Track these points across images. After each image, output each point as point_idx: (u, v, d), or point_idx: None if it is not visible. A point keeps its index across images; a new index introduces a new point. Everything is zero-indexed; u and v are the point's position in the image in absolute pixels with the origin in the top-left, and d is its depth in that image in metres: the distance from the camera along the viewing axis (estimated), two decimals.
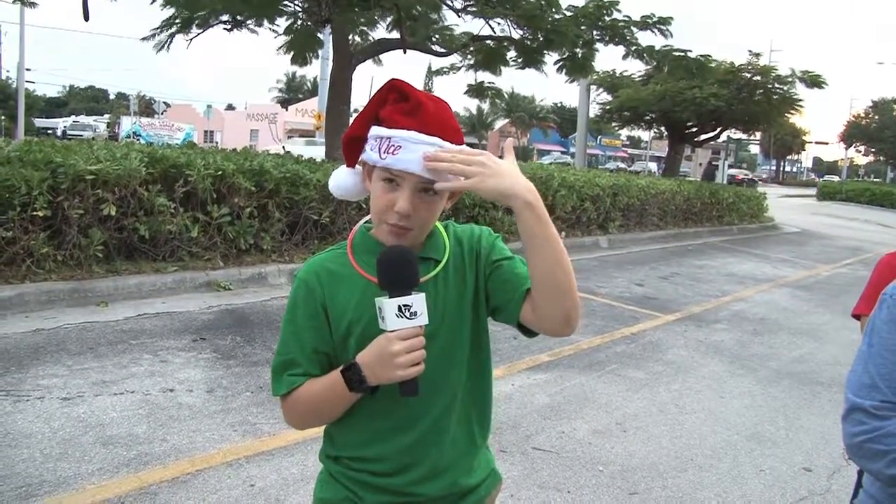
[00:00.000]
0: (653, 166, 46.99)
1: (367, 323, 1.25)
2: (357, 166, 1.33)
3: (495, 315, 1.34)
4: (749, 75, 18.41)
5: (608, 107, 21.35)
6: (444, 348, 1.29)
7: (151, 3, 9.17)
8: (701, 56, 12.29)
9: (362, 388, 1.21)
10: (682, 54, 11.89)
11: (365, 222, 1.38)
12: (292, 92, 62.81)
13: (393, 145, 1.19)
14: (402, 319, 1.17)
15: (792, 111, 20.15)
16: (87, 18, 8.32)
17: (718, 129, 21.01)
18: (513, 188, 1.15)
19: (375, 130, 1.23)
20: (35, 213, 5.27)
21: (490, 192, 1.15)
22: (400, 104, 1.23)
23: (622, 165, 52.57)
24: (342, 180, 1.35)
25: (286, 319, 1.31)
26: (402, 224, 1.23)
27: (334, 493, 1.35)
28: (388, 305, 1.17)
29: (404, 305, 1.17)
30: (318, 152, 11.35)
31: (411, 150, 1.18)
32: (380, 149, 1.21)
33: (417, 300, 1.18)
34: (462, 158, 1.16)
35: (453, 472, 1.34)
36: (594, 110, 21.31)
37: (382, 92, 1.26)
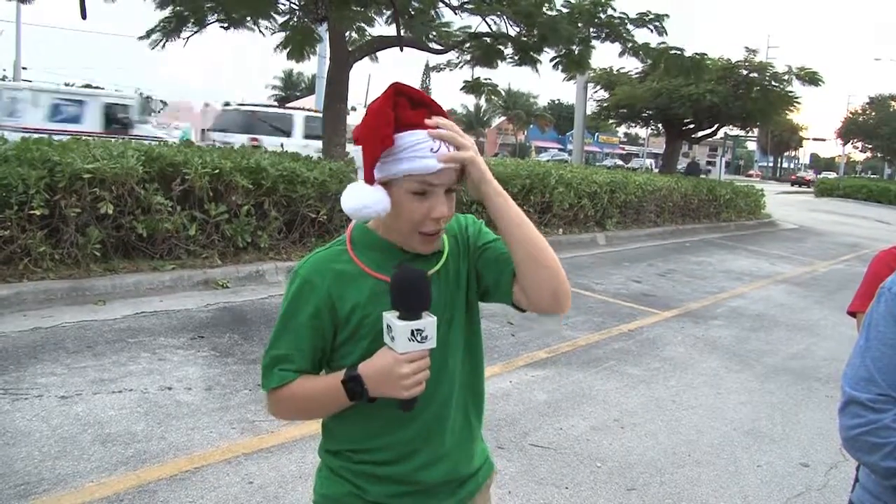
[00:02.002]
0: (649, 163, 46.90)
1: (375, 320, 1.25)
2: (376, 183, 1.21)
3: (486, 297, 1.36)
4: (746, 72, 18.42)
5: (605, 104, 21.36)
6: (445, 339, 1.30)
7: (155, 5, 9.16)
8: (696, 54, 12.27)
9: (363, 399, 1.23)
10: (678, 52, 11.87)
11: None
12: (289, 89, 62.61)
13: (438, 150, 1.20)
14: (413, 343, 1.18)
15: (789, 108, 20.17)
16: (84, 17, 8.29)
17: (715, 126, 21.02)
18: (488, 172, 1.23)
19: (419, 134, 1.18)
20: (32, 211, 5.27)
21: (479, 168, 1.21)
22: (421, 109, 1.21)
23: (620, 162, 52.47)
24: (378, 202, 1.20)
25: (284, 315, 1.29)
26: (440, 228, 1.25)
27: (337, 489, 1.35)
28: (400, 329, 1.17)
29: (417, 330, 1.17)
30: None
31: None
32: (432, 152, 1.18)
33: (429, 324, 1.19)
34: (458, 131, 1.21)
35: (453, 458, 1.35)
36: (591, 107, 21.32)
37: (390, 95, 1.19)
